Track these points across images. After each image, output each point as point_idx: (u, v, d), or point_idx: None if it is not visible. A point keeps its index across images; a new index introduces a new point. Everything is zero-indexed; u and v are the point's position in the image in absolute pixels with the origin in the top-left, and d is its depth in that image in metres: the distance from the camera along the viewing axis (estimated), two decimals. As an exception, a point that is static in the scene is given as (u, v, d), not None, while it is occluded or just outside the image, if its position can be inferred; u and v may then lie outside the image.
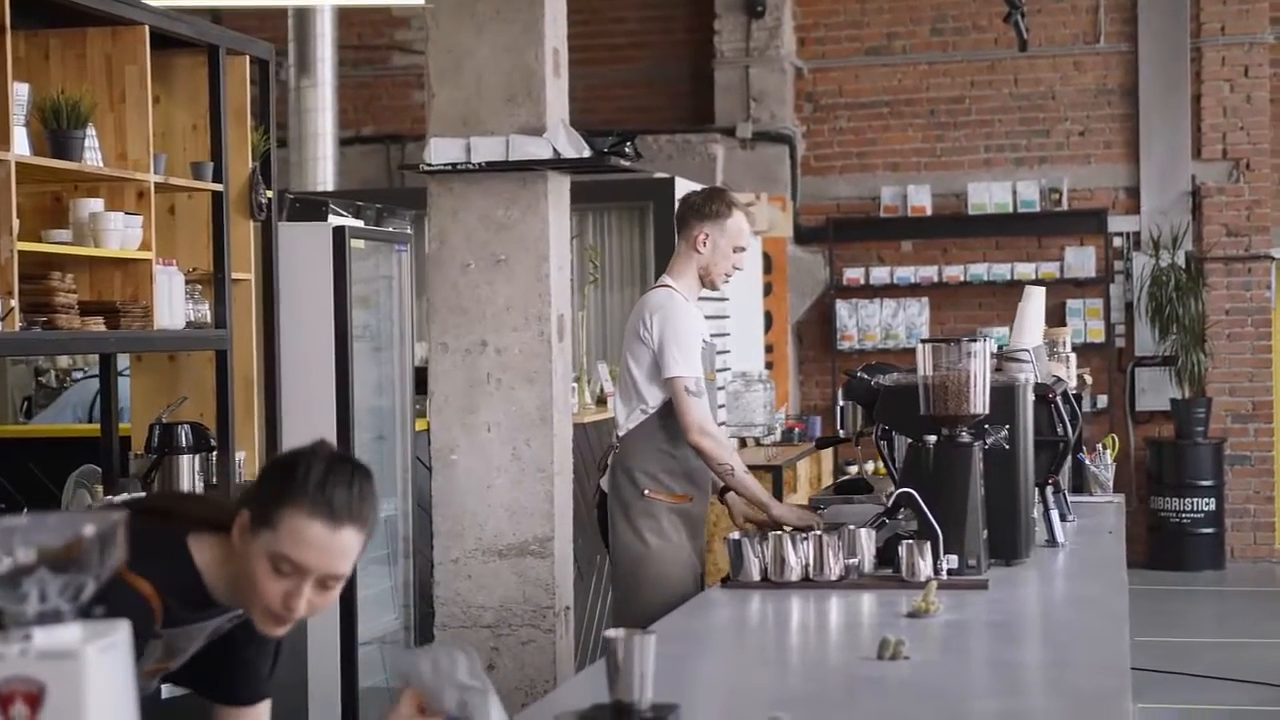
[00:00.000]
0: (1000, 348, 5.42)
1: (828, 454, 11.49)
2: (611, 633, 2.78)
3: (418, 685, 2.55)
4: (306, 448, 2.63)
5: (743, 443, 10.44)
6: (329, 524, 2.54)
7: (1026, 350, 5.20)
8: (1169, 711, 8.17)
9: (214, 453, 5.64)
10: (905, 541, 4.26)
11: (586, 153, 5.84)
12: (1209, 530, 12.37)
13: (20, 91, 4.78)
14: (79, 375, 8.34)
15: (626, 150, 6.09)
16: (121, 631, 1.81)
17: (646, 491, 5.24)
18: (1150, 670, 8.71)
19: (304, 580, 2.56)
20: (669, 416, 5.26)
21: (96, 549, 1.80)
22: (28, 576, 1.77)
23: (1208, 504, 12.34)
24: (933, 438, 4.43)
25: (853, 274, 13.05)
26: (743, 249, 5.42)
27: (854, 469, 12.10)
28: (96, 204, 5.09)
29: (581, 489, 6.62)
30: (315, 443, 2.65)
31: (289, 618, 2.59)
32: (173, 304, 5.33)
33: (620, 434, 5.38)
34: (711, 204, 5.39)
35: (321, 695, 6.17)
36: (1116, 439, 6.86)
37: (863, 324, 13.04)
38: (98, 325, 5.00)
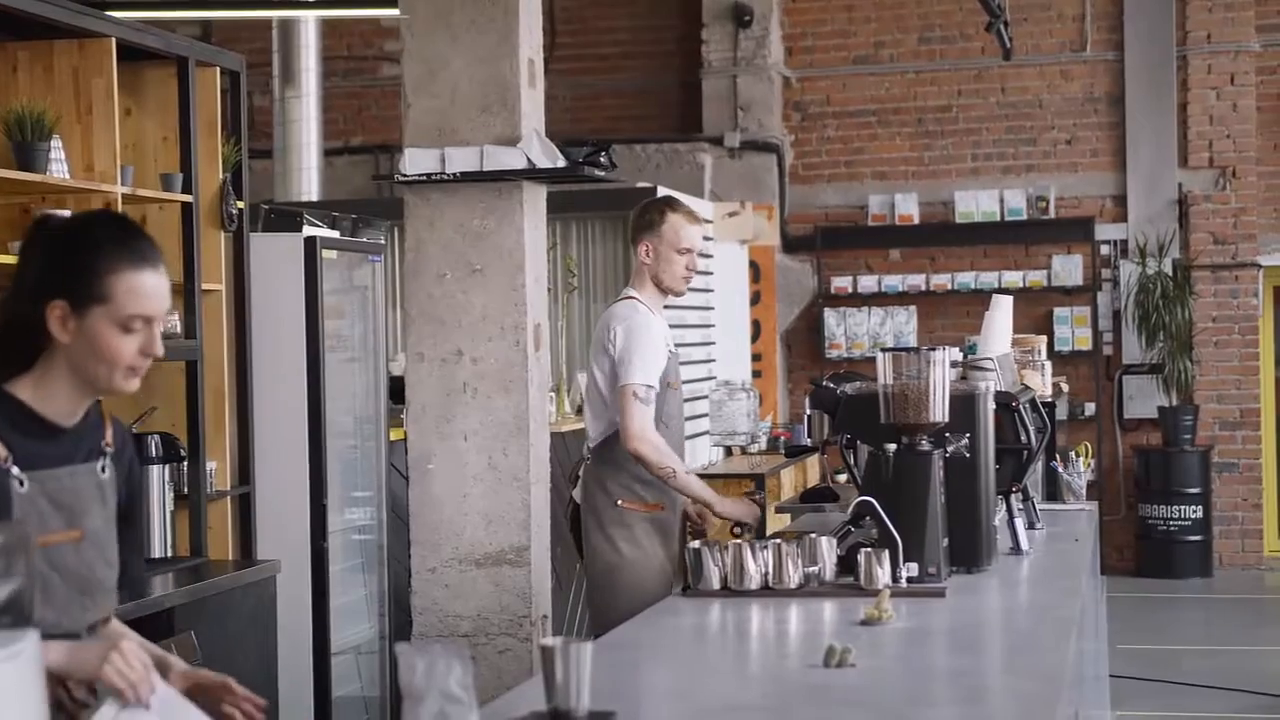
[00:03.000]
0: (967, 356, 5.44)
1: (814, 462, 11.50)
2: (547, 641, 2.80)
3: (405, 682, 2.58)
4: (77, 221, 2.81)
5: (728, 451, 10.46)
6: (150, 268, 2.75)
7: (990, 359, 5.21)
8: (1150, 719, 8.17)
9: (184, 463, 5.66)
10: (864, 550, 4.28)
11: (561, 163, 5.85)
12: (1197, 538, 12.38)
13: (-16, 104, 4.81)
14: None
15: (601, 160, 6.10)
16: (28, 641, 1.83)
17: (620, 502, 5.32)
18: (1132, 678, 8.72)
19: (151, 327, 2.75)
20: None
21: (1, 560, 1.81)
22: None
23: (1195, 511, 12.35)
24: (892, 446, 4.44)
25: (840, 283, 13.07)
26: (688, 250, 5.47)
27: (844, 478, 12.10)
28: (63, 215, 5.10)
29: (560, 498, 6.63)
30: (82, 215, 2.84)
31: (144, 366, 2.77)
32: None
33: (591, 445, 5.45)
34: (645, 214, 5.51)
35: (293, 705, 6.18)
36: (1090, 447, 6.86)
37: (851, 332, 13.06)
38: (64, 336, 5.00)
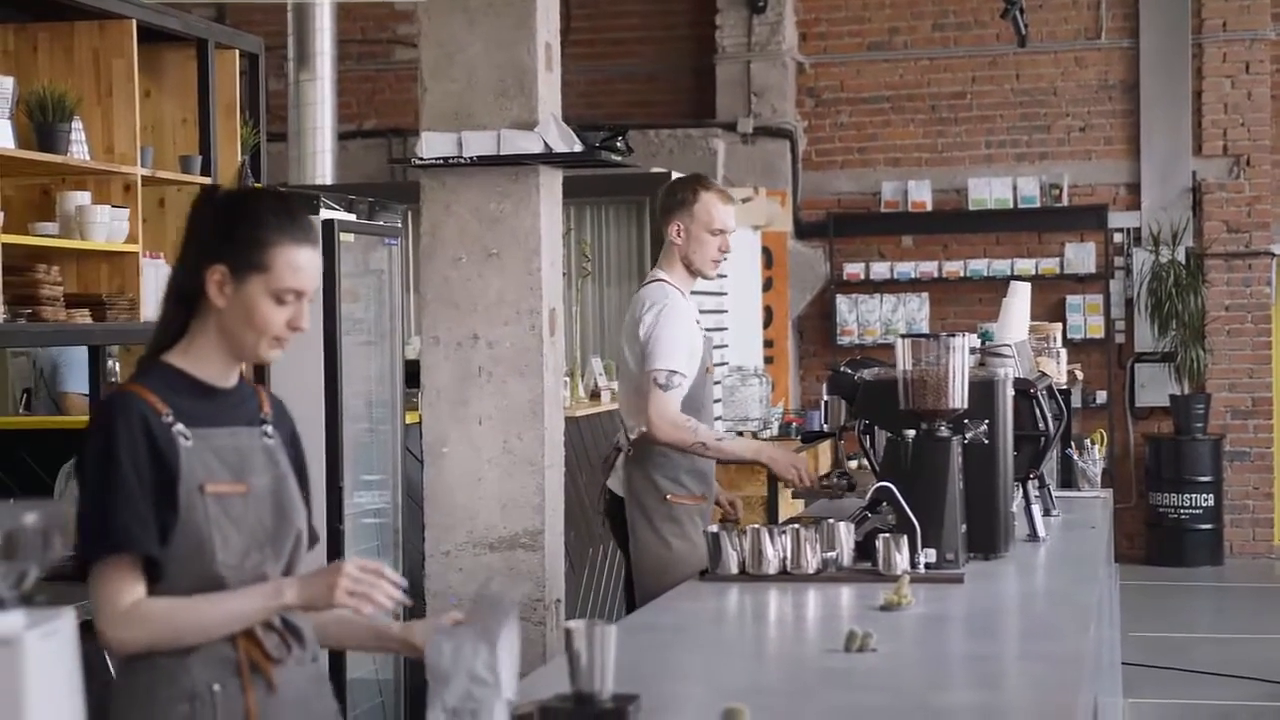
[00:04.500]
0: (984, 342, 5.43)
1: (826, 448, 11.50)
2: (572, 624, 2.80)
3: (432, 663, 2.59)
4: (243, 193, 2.94)
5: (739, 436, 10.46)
6: (312, 247, 2.87)
7: (1008, 345, 5.21)
8: (1161, 706, 8.19)
9: (201, 444, 5.66)
10: (882, 535, 4.28)
11: (578, 147, 5.84)
12: (1208, 526, 12.38)
13: (5, 84, 4.81)
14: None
15: (618, 145, 6.10)
16: (64, 621, 1.84)
17: (669, 496, 5.22)
18: (1144, 665, 8.73)
19: (301, 301, 2.86)
20: (685, 413, 5.23)
21: (39, 538, 1.82)
22: (-30, 563, 1.80)
23: (1206, 500, 12.35)
24: (911, 432, 4.44)
25: (853, 269, 13.07)
26: (721, 231, 5.34)
27: (854, 464, 12.09)
28: (83, 197, 5.11)
29: (574, 483, 6.63)
30: (248, 188, 2.94)
31: (288, 339, 2.87)
32: (160, 297, 5.35)
33: (633, 436, 5.30)
34: (677, 193, 5.37)
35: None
36: (1105, 434, 6.86)
37: (863, 319, 13.06)
38: (84, 317, 5.02)
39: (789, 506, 9.19)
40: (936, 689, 3.10)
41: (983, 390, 4.58)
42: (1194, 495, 12.35)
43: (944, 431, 4.44)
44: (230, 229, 2.84)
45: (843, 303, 13.05)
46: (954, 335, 4.47)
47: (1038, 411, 5.08)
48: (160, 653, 2.77)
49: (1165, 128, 12.73)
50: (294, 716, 2.89)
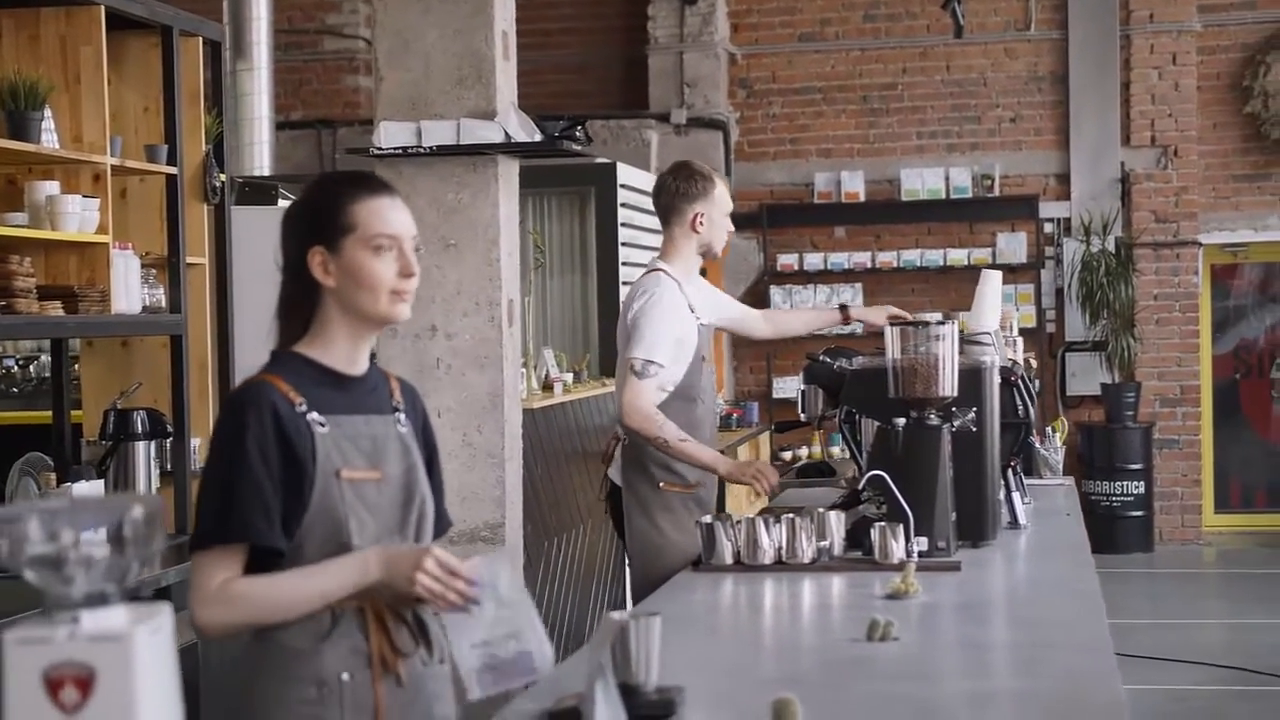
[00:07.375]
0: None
1: (765, 439, 11.54)
2: (618, 615, 2.77)
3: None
4: (311, 183, 3.01)
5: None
6: (386, 195, 2.91)
7: (988, 333, 5.23)
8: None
9: (169, 439, 5.57)
10: (878, 524, 4.28)
11: (537, 137, 5.82)
12: (1138, 513, 12.52)
13: (-27, 72, 4.71)
14: (8, 362, 8.23)
15: (577, 135, 6.08)
16: (165, 615, 1.79)
17: (661, 484, 5.18)
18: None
19: (401, 246, 2.87)
20: (677, 404, 5.18)
21: (142, 531, 1.78)
22: (74, 559, 1.75)
23: (1137, 487, 12.49)
24: (901, 420, 4.44)
25: (786, 260, 13.09)
26: (730, 212, 5.49)
27: (788, 454, 12.14)
28: (53, 186, 5.01)
29: (530, 476, 6.60)
30: (314, 177, 3.03)
31: (407, 288, 2.88)
32: (129, 288, 5.27)
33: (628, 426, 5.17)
34: (695, 183, 5.38)
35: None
36: (1066, 423, 6.91)
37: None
38: (55, 310, 4.92)
39: (735, 502, 9.20)
40: (971, 677, 3.10)
41: (970, 378, 4.59)
42: (1125, 483, 12.48)
43: (934, 419, 4.45)
44: (313, 213, 2.90)
45: (777, 293, 13.07)
46: (943, 322, 4.48)
47: (1017, 398, 5.11)
48: (291, 636, 2.78)
49: (1094, 118, 12.85)
50: (420, 714, 2.88)
